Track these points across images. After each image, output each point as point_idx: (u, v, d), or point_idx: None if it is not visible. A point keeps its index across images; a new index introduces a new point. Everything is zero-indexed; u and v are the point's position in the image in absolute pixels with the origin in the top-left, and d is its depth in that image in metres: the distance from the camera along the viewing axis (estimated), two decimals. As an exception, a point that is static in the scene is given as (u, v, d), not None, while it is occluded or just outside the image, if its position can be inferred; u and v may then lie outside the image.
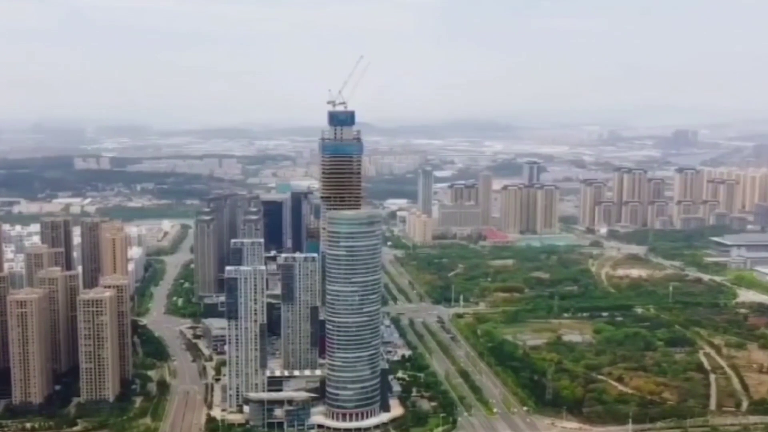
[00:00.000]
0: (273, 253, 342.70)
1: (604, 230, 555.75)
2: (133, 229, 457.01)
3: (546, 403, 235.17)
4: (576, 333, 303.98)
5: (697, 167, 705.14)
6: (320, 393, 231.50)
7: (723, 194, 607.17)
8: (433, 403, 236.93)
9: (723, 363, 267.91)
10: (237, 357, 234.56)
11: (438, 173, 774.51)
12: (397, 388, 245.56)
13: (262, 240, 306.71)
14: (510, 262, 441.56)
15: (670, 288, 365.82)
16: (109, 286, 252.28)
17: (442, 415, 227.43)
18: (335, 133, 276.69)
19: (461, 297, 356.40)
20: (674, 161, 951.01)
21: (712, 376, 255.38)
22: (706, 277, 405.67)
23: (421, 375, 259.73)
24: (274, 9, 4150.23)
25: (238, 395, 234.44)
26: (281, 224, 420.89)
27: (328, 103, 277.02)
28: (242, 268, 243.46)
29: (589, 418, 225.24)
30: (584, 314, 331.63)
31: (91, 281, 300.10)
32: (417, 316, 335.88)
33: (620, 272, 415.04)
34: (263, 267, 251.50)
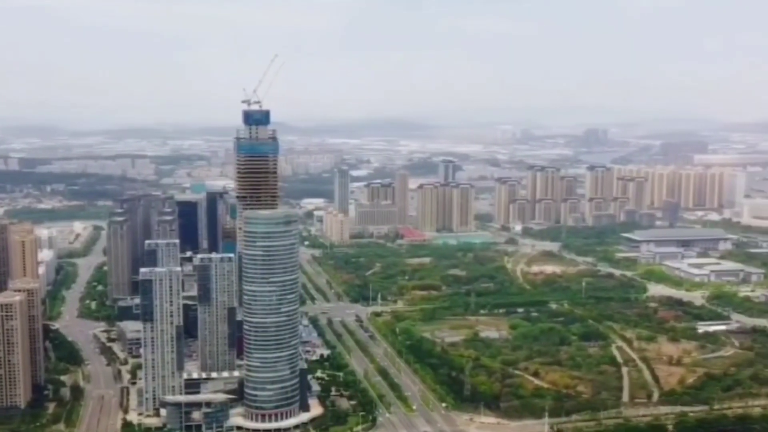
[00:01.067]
0: (188, 253, 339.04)
1: (518, 228, 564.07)
2: (43, 232, 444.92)
3: (464, 399, 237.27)
4: (492, 329, 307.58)
5: (608, 165, 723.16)
6: (239, 394, 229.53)
7: (632, 191, 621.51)
8: (353, 402, 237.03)
9: (635, 356, 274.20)
10: (153, 360, 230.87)
11: (354, 172, 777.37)
12: (316, 387, 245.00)
13: (177, 241, 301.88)
14: (427, 260, 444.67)
15: (583, 283, 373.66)
16: (19, 290, 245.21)
17: (361, 413, 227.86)
18: (250, 133, 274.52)
19: (379, 295, 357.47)
20: (586, 159, 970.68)
21: (625, 369, 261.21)
22: (617, 272, 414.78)
23: (340, 374, 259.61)
24: (188, 7, 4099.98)
25: (154, 399, 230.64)
26: (196, 225, 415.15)
27: (243, 102, 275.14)
28: (157, 269, 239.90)
29: (506, 412, 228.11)
30: (500, 311, 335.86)
31: (0, 285, 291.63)
32: (335, 315, 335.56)
33: (535, 269, 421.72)
34: (178, 268, 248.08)
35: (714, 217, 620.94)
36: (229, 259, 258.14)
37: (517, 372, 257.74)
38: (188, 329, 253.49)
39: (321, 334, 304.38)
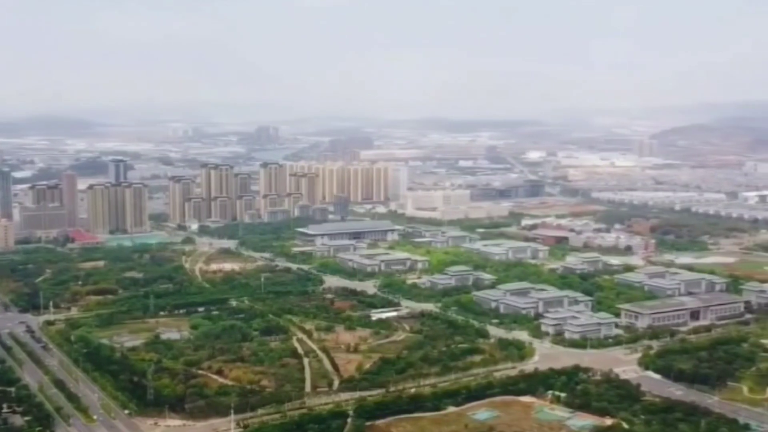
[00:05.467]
0: None
1: (195, 226, 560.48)
2: None
3: (148, 404, 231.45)
4: (174, 330, 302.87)
5: (280, 162, 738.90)
6: None
7: (305, 187, 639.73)
8: (27, 418, 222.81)
9: (315, 346, 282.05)
10: None
11: (17, 174, 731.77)
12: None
13: None
14: (101, 263, 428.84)
15: (262, 279, 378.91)
16: None
17: (38, 428, 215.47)
18: None
19: (51, 303, 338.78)
20: (258, 156, 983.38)
21: (306, 360, 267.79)
22: (294, 266, 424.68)
23: (12, 390, 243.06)
24: None
25: None
26: None
27: None
28: None
29: (191, 414, 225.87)
30: (181, 311, 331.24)
31: None
32: (3, 327, 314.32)
33: (214, 267, 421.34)
34: None
35: (381, 209, 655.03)
36: None
37: (200, 372, 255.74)
38: None
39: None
